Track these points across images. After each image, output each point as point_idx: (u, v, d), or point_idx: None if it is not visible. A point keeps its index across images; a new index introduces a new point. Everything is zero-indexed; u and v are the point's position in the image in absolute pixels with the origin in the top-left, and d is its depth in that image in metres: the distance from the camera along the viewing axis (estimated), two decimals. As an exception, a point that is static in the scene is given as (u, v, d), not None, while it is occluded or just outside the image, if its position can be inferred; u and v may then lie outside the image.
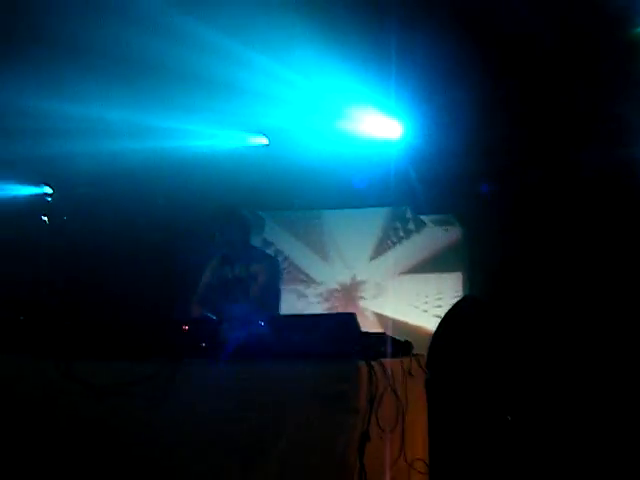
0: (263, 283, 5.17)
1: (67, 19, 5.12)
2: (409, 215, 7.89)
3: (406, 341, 3.85)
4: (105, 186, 7.29)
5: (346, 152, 7.09)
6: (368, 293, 7.90)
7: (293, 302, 7.82)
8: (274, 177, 7.38)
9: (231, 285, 5.15)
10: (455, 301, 4.79)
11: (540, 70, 5.84)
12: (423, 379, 3.86)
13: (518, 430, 4.30)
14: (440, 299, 7.52)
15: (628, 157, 6.19)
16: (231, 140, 7.35)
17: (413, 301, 7.66)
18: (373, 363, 3.32)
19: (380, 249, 7.95)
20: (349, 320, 3.62)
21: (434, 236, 7.79)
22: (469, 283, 7.40)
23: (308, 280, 8.12)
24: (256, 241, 7.27)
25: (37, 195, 7.52)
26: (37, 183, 7.49)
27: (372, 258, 7.96)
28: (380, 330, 6.11)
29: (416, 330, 7.22)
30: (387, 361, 3.46)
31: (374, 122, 6.93)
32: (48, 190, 7.54)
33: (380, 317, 7.73)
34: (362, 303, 7.89)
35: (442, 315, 4.54)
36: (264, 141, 7.42)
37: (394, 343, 3.69)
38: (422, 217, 7.83)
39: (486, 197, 6.99)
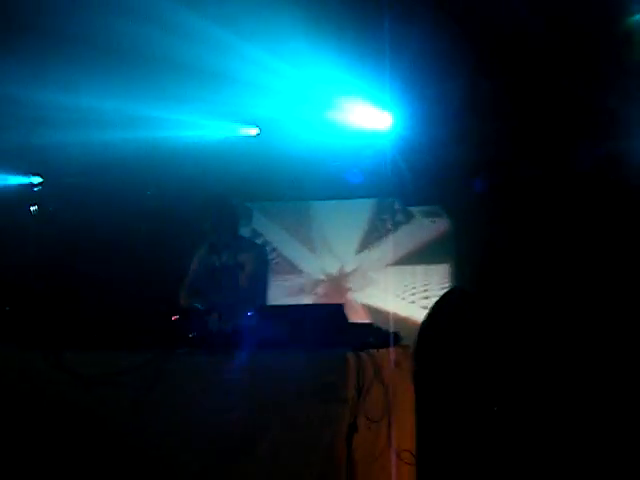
0: (251, 272, 5.16)
1: (57, 8, 5.09)
2: (397, 206, 7.88)
3: (394, 332, 3.86)
4: (95, 175, 7.26)
5: (336, 143, 7.08)
6: (356, 284, 7.90)
7: (281, 293, 7.82)
8: (264, 167, 7.37)
9: (218, 273, 5.12)
10: (442, 293, 4.82)
11: (531, 63, 5.82)
12: (411, 370, 3.87)
13: (505, 421, 4.33)
14: (427, 290, 7.55)
15: (619, 150, 6.18)
16: (221, 130, 7.34)
17: (400, 292, 7.66)
18: (361, 354, 3.35)
19: (368, 240, 7.94)
20: (337, 311, 3.65)
21: (422, 228, 7.78)
22: (456, 275, 7.42)
23: (296, 271, 8.11)
24: (245, 232, 7.25)
25: (26, 185, 7.47)
26: (26, 172, 7.45)
27: (360, 249, 7.95)
28: (368, 321, 6.17)
29: (404, 321, 7.21)
30: (375, 352, 3.49)
31: (364, 113, 6.90)
32: (37, 180, 7.49)
33: (368, 308, 7.74)
34: (350, 294, 7.89)
35: (429, 306, 4.56)
36: (254, 131, 7.42)
37: (381, 334, 3.70)
38: (410, 209, 7.83)
39: (475, 189, 6.99)
